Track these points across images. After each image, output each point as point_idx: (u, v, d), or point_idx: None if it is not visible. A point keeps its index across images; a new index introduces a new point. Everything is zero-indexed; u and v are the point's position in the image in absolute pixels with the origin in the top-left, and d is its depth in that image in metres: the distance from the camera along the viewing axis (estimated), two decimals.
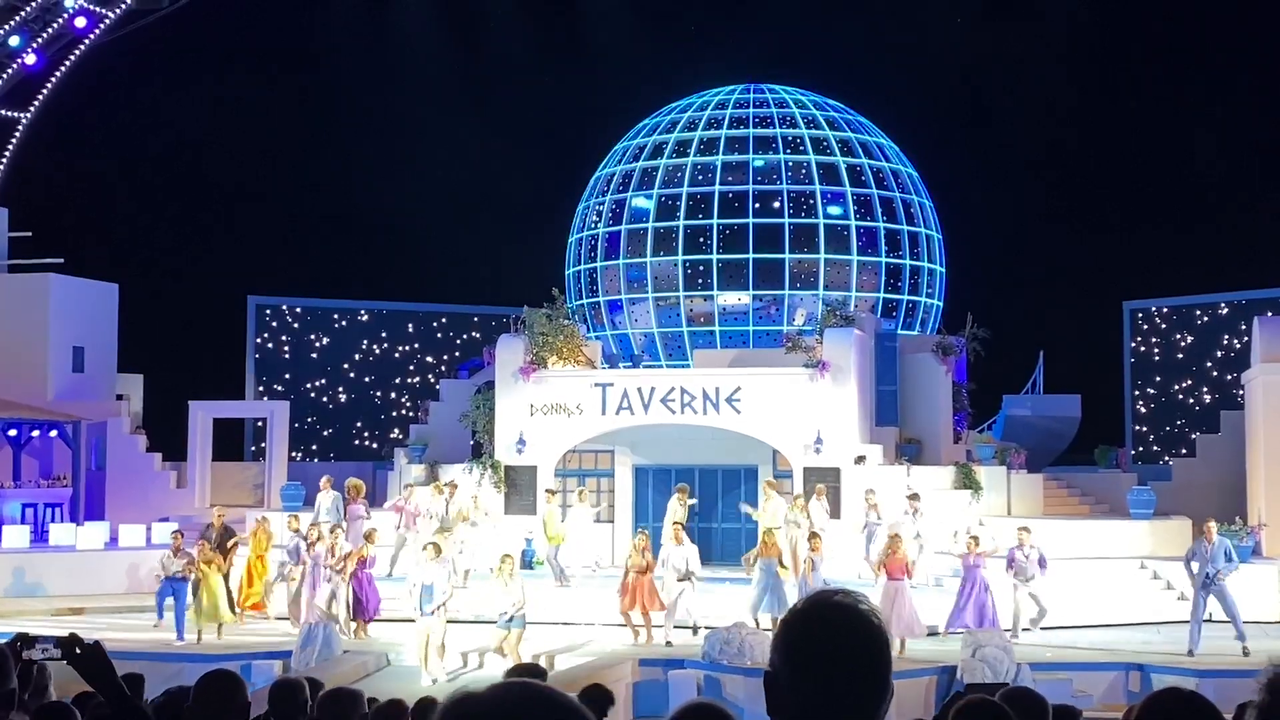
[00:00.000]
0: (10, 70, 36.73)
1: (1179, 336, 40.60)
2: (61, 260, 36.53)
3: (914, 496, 26.55)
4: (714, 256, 34.29)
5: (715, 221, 34.32)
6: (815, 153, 34.86)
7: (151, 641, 22.30)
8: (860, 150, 35.31)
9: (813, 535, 23.14)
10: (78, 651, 4.61)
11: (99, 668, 4.58)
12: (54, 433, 34.99)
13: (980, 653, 19.18)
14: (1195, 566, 21.36)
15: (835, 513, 27.97)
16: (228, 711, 5.51)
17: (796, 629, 2.83)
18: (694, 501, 28.23)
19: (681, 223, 34.53)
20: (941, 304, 36.56)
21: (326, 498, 27.98)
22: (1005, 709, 4.83)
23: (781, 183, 34.52)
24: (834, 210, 34.56)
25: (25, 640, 4.85)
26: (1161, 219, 43.35)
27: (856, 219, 34.58)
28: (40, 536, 31.45)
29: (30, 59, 37.05)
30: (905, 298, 35.29)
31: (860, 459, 28.84)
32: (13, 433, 34.58)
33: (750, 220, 34.22)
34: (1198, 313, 40.24)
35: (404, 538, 27.16)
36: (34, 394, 35.20)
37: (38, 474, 35.25)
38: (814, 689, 2.75)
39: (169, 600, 23.20)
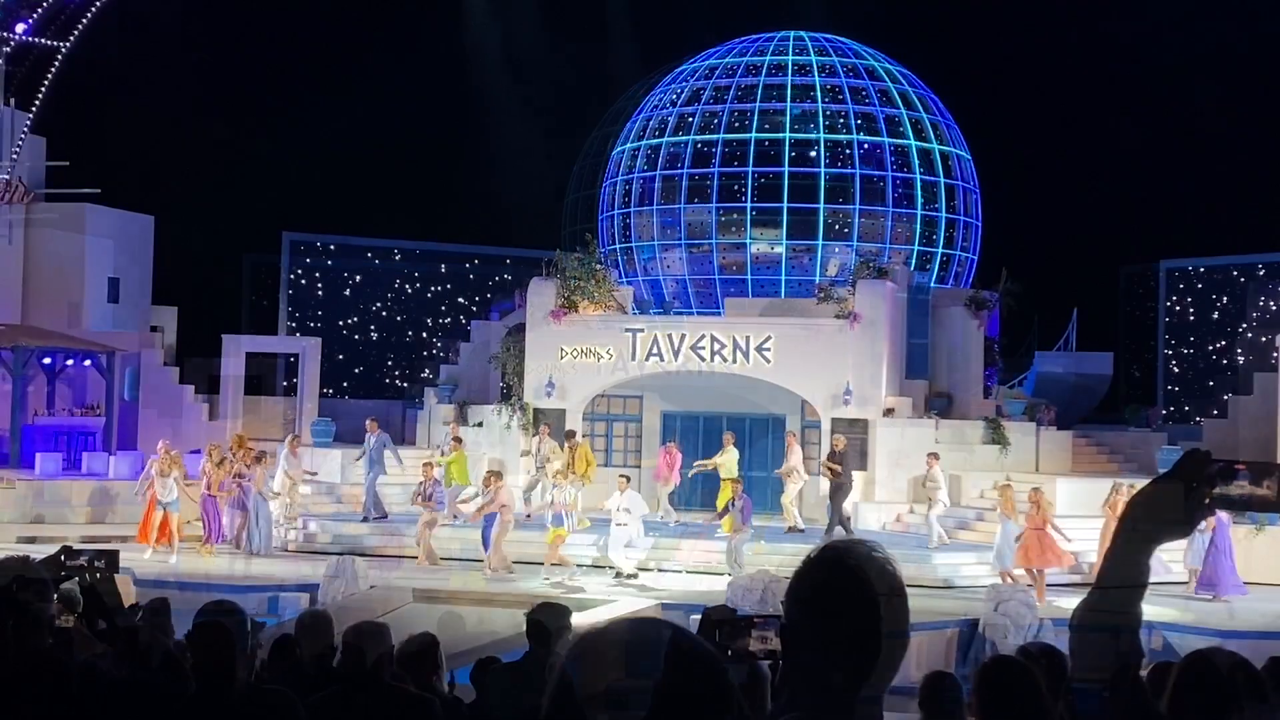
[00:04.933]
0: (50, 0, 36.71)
1: (1215, 297, 40.28)
2: (99, 190, 36.62)
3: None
4: (748, 205, 34.15)
5: (750, 169, 34.15)
6: (854, 102, 34.61)
7: (182, 571, 22.54)
8: (900, 101, 35.02)
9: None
10: (109, 574, 4.70)
11: (112, 590, 4.67)
12: (88, 362, 35.25)
13: (1003, 607, 19.24)
14: None
15: (861, 464, 28.13)
16: (221, 655, 5.50)
17: (811, 579, 2.78)
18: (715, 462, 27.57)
19: (717, 170, 34.37)
20: (976, 258, 36.36)
21: (373, 438, 27.90)
22: (1029, 665, 4.84)
23: (818, 132, 34.30)
24: (870, 161, 34.35)
25: (69, 553, 4.96)
26: (1201, 178, 42.90)
27: (893, 170, 34.37)
28: (73, 465, 31.78)
29: None
30: (940, 251, 35.10)
31: (889, 411, 28.83)
32: (47, 361, 34.86)
33: (786, 169, 34.04)
34: (1234, 273, 39.90)
35: (536, 479, 27.64)
36: (69, 323, 35.47)
37: (71, 403, 35.56)
38: (832, 641, 2.72)
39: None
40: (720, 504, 25.45)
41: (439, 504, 24.58)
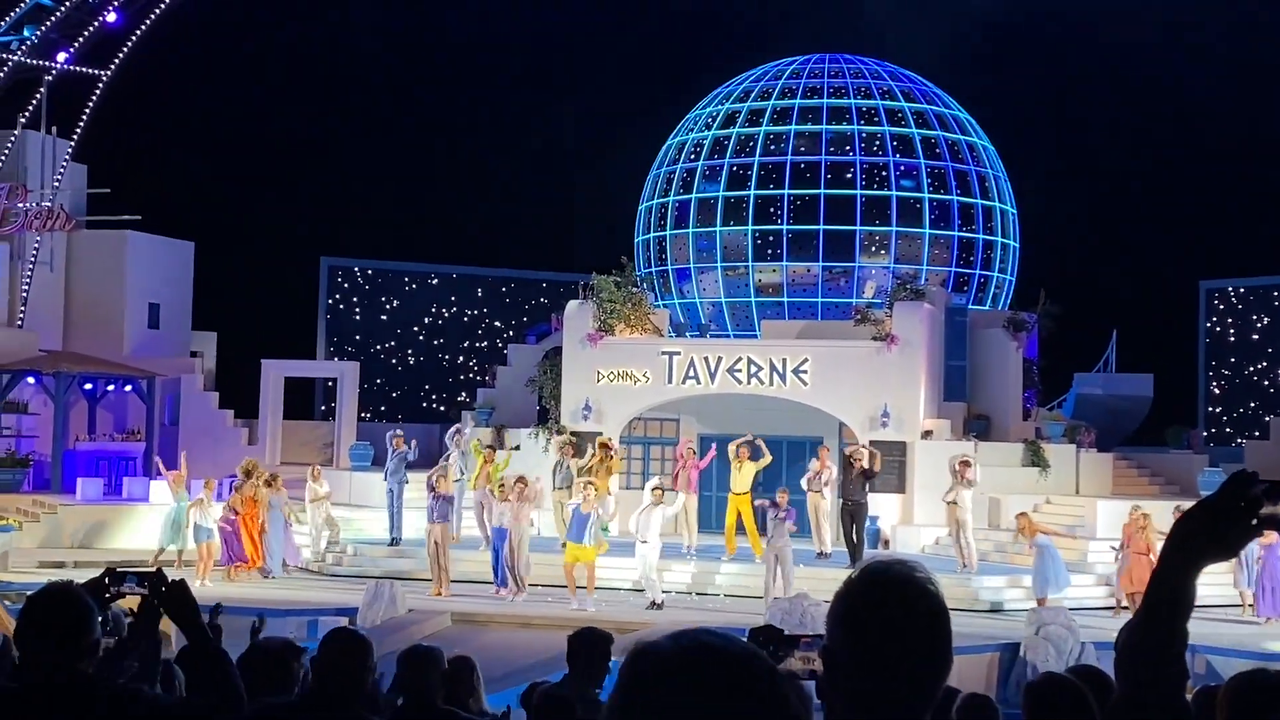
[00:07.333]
0: (91, 28, 37.13)
1: (1255, 317, 39.96)
2: (139, 217, 36.98)
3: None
4: (784, 227, 34.12)
5: (786, 192, 34.13)
6: (890, 124, 34.55)
7: (225, 595, 22.63)
8: (936, 122, 34.95)
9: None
10: (164, 589, 4.71)
11: (185, 606, 4.67)
12: (129, 388, 35.55)
13: (1045, 630, 19.10)
14: None
15: (900, 487, 28.00)
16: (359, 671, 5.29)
17: (853, 601, 2.74)
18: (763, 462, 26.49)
19: (752, 192, 34.36)
20: (1014, 279, 36.19)
21: (395, 454, 27.61)
22: (1081, 685, 4.79)
23: (855, 154, 34.26)
24: (907, 183, 34.28)
25: (114, 576, 4.95)
26: (1240, 197, 42.62)
27: (930, 192, 34.28)
28: (114, 490, 32.00)
29: (111, 17, 37.39)
30: (978, 272, 34.95)
31: (927, 434, 28.70)
32: (88, 386, 35.17)
33: (822, 191, 34.00)
34: (1275, 293, 39.58)
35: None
36: (110, 349, 35.80)
37: (112, 428, 35.83)
38: (873, 662, 2.69)
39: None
40: (730, 523, 25.34)
41: (442, 518, 23.95)
